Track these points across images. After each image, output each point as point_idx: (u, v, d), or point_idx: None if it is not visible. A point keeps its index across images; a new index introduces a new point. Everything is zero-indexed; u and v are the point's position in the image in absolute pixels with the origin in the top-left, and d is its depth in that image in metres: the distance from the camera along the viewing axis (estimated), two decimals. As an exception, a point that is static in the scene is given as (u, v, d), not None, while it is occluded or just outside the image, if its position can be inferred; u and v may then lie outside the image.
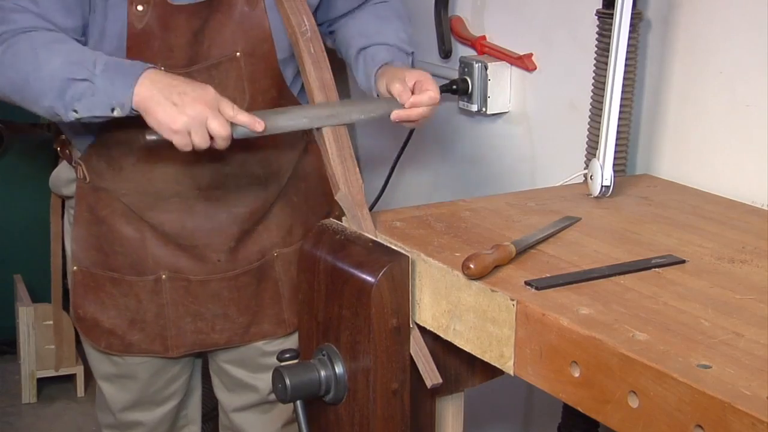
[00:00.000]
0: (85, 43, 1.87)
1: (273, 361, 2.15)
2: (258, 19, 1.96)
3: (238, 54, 1.97)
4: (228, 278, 2.14)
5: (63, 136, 2.12)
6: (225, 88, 1.95)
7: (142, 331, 2.12)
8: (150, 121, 1.77)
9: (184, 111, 1.74)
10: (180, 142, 1.76)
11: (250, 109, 1.87)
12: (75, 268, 2.10)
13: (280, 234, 2.18)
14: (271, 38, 1.98)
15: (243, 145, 1.89)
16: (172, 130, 1.75)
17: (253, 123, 1.77)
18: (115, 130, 1.97)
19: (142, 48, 1.88)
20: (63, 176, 2.14)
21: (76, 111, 1.79)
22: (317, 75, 1.86)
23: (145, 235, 2.08)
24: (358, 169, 1.81)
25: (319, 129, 1.82)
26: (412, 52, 2.10)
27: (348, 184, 1.78)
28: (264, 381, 2.21)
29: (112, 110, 1.78)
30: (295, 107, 1.91)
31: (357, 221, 1.76)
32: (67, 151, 2.11)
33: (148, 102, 1.76)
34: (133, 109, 1.77)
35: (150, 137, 1.78)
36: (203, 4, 1.92)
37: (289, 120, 1.81)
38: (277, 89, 2.04)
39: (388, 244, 1.69)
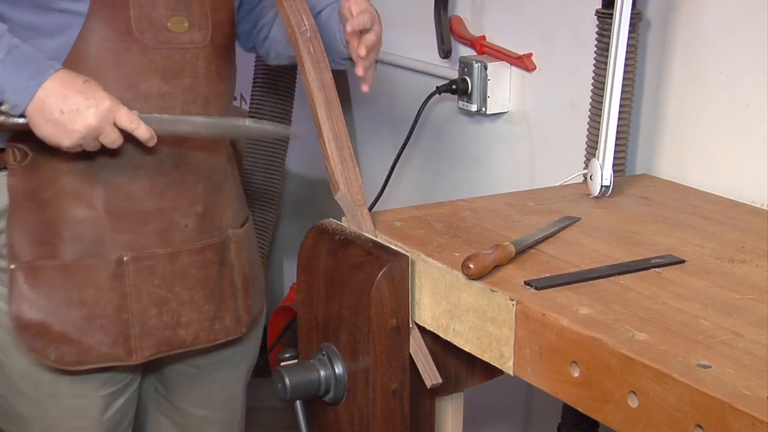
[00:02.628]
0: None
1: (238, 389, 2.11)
2: None
3: None
4: (196, 251, 1.97)
5: None
6: (190, 9, 1.88)
7: (101, 329, 1.89)
8: (37, 131, 1.72)
9: (76, 131, 1.71)
10: (71, 150, 1.75)
11: (213, 42, 1.89)
12: (13, 266, 1.85)
13: (231, 212, 2.07)
14: None
15: None
16: (62, 147, 1.74)
17: (148, 140, 1.77)
18: None
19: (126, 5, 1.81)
20: None
21: None
22: (316, 75, 1.85)
23: (100, 211, 1.88)
24: (357, 168, 1.81)
25: (318, 128, 1.82)
26: None
27: (347, 184, 1.78)
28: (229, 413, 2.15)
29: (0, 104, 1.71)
30: (187, 117, 1.87)
31: (356, 221, 1.76)
32: None
33: (41, 116, 1.71)
34: (21, 113, 1.71)
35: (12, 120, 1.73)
36: None
37: (185, 127, 1.82)
38: (230, 25, 1.98)
39: (388, 244, 1.69)
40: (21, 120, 1.74)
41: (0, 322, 1.91)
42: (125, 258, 1.90)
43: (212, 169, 2.01)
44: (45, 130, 1.72)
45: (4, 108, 1.72)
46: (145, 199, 1.91)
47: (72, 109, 1.71)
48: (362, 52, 1.87)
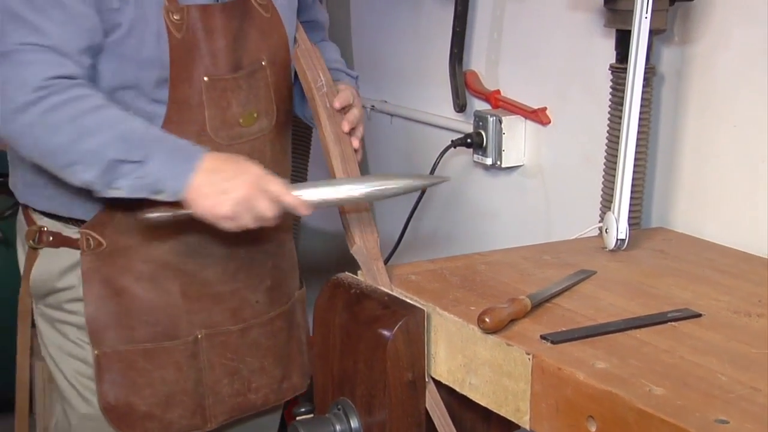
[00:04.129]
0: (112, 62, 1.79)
1: None
2: (276, 26, 1.92)
3: (263, 63, 1.91)
4: (265, 322, 2.04)
5: (41, 225, 1.93)
6: (259, 99, 1.91)
7: (181, 404, 1.96)
8: (196, 209, 1.72)
9: (230, 198, 1.71)
10: (227, 226, 1.74)
11: (278, 123, 1.90)
12: (97, 352, 1.90)
13: (295, 275, 2.13)
14: (287, 45, 1.94)
15: None
16: (219, 217, 1.73)
17: (299, 207, 1.75)
18: None
19: (185, 58, 1.80)
20: (55, 266, 1.93)
21: (116, 189, 1.72)
22: (332, 129, 1.87)
23: (174, 294, 1.93)
24: (373, 222, 1.82)
25: (333, 174, 1.82)
26: (357, 76, 2.10)
27: (363, 238, 1.79)
28: None
29: (157, 193, 1.72)
30: (336, 180, 1.83)
31: (372, 274, 1.76)
32: (50, 236, 1.93)
33: (197, 193, 1.72)
34: (179, 198, 1.72)
35: (152, 215, 1.75)
36: (236, 3, 1.86)
37: (336, 194, 1.77)
38: (290, 100, 2.01)
39: (404, 298, 1.69)
40: (185, 211, 1.74)
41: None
42: (199, 336, 1.96)
43: (279, 244, 2.06)
44: (202, 206, 1.72)
45: (161, 197, 1.72)
46: (217, 283, 1.97)
47: (225, 178, 1.72)
48: (345, 128, 1.89)
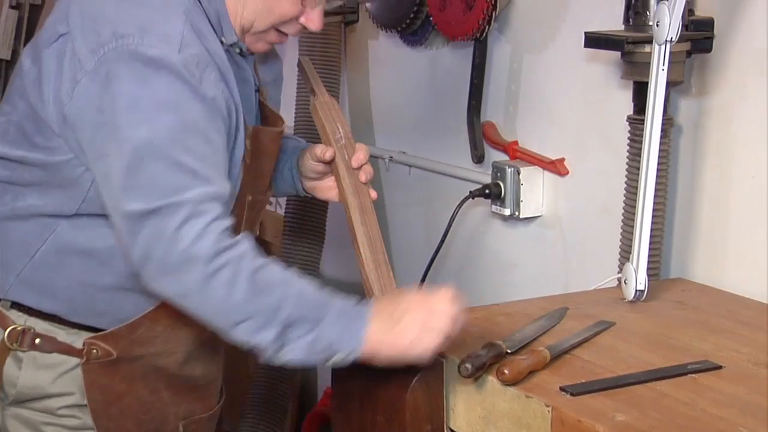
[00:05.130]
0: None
1: None
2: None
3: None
4: (227, 404, 2.05)
5: (27, 326, 1.80)
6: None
7: None
8: (382, 355, 1.62)
9: (405, 333, 1.61)
10: (418, 352, 1.62)
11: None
12: None
13: None
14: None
15: None
16: (406, 347, 1.62)
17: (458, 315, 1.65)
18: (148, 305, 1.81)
19: (246, 181, 1.79)
20: (46, 375, 1.82)
21: (290, 352, 1.61)
22: (351, 180, 1.88)
23: (162, 391, 1.88)
24: (392, 274, 1.82)
25: (353, 233, 1.83)
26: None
27: (382, 290, 1.79)
28: None
29: (332, 355, 1.62)
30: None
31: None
32: (37, 338, 1.81)
33: (376, 345, 1.62)
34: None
35: None
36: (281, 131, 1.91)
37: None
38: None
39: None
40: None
41: None
42: (181, 427, 1.93)
43: None
44: (386, 353, 1.63)
45: (334, 360, 1.62)
46: (200, 379, 1.95)
47: (396, 320, 1.63)
48: (363, 179, 1.91)
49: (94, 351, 1.80)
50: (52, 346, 1.81)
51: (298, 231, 2.94)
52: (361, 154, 1.91)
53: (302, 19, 1.77)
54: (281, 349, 1.61)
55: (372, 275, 1.80)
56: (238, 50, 1.78)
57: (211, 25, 1.73)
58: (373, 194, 1.90)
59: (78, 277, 1.79)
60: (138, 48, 1.60)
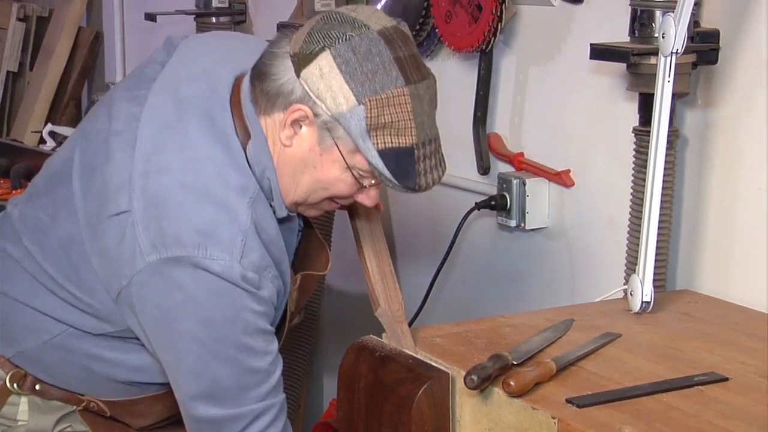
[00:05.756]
0: None
1: None
2: None
3: None
4: None
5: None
6: None
7: None
8: None
9: None
10: None
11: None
12: None
13: None
14: None
15: None
16: None
17: None
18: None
19: (289, 323, 1.81)
20: (49, 419, 1.85)
21: None
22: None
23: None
24: (397, 285, 1.82)
25: (359, 245, 1.83)
26: None
27: (388, 301, 1.79)
28: None
29: None
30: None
31: (397, 337, 1.76)
32: (37, 385, 1.82)
33: None
34: None
35: None
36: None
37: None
38: None
39: (428, 361, 1.69)
40: None
41: None
42: None
43: None
44: None
45: None
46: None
47: None
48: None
49: (92, 405, 1.84)
50: (51, 393, 1.83)
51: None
52: None
53: (359, 198, 1.70)
54: None
55: (378, 286, 1.80)
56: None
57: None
58: (380, 206, 1.90)
59: (82, 372, 1.79)
60: (200, 262, 1.59)
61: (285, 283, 1.71)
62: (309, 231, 1.87)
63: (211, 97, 1.69)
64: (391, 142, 1.59)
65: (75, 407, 1.85)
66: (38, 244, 1.75)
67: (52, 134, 3.78)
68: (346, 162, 1.62)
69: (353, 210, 1.86)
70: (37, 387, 1.82)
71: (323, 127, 1.61)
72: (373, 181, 1.67)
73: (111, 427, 1.82)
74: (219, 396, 1.65)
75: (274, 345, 1.70)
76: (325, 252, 1.86)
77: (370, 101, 1.57)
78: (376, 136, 1.59)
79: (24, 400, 1.83)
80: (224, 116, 1.67)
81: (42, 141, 3.82)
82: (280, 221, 1.72)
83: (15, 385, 1.81)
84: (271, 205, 1.69)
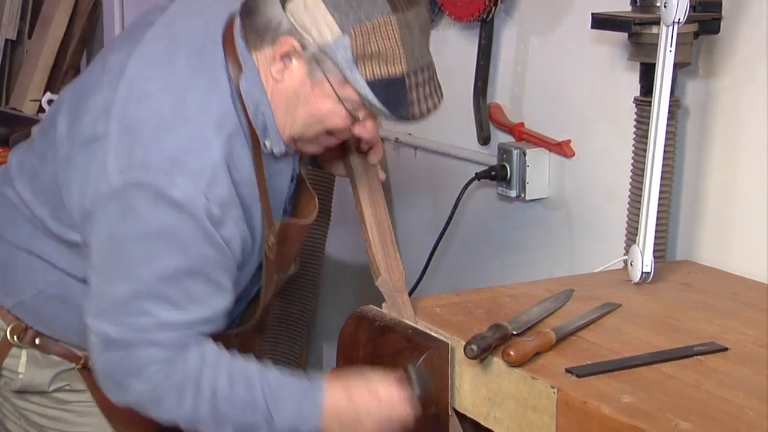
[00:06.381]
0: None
1: None
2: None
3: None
4: None
5: (30, 324, 1.84)
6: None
7: None
8: None
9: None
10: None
11: None
12: None
13: None
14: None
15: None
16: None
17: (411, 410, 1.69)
18: None
19: (270, 272, 1.80)
20: (46, 374, 1.86)
21: None
22: (360, 160, 1.85)
23: None
24: (398, 254, 1.82)
25: (360, 214, 1.83)
26: None
27: (389, 270, 1.79)
28: None
29: None
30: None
31: (397, 307, 1.76)
32: (38, 338, 1.85)
33: (330, 424, 1.67)
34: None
35: None
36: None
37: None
38: None
39: (428, 331, 1.69)
40: None
41: None
42: None
43: None
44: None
45: None
46: None
47: (355, 418, 1.67)
48: (374, 160, 1.87)
49: (91, 362, 1.80)
50: (50, 348, 1.85)
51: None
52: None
53: (356, 130, 1.68)
54: None
55: (379, 256, 1.80)
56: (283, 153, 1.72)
57: (252, 137, 1.67)
58: (382, 175, 1.89)
59: (79, 324, 1.75)
60: (163, 189, 1.57)
61: (253, 229, 1.69)
62: (300, 181, 1.87)
63: (204, 32, 1.69)
64: (380, 72, 1.58)
65: (74, 365, 1.85)
66: (31, 187, 1.77)
67: (51, 103, 3.77)
68: (337, 94, 1.62)
69: (355, 179, 1.85)
70: (38, 341, 1.83)
71: (312, 60, 1.61)
72: (366, 113, 1.65)
73: None
74: (136, 327, 1.63)
75: (220, 294, 1.66)
76: (314, 202, 1.85)
77: (354, 30, 1.57)
78: (364, 65, 1.58)
79: (24, 353, 1.85)
80: (215, 50, 1.67)
81: (41, 110, 3.81)
82: (274, 162, 1.71)
83: (16, 337, 1.83)
84: (265, 144, 1.68)
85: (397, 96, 1.59)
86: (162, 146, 1.60)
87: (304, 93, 1.63)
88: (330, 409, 1.66)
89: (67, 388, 1.88)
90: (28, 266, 1.79)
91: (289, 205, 1.83)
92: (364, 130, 1.69)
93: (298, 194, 1.86)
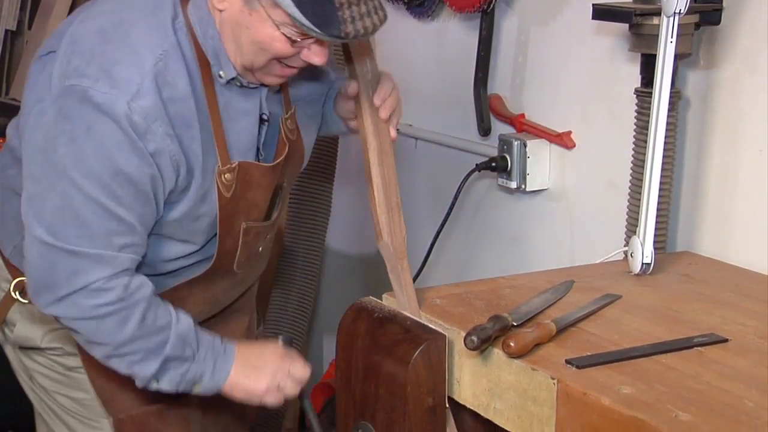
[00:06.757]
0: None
1: None
2: (298, 148, 1.93)
3: (284, 184, 1.96)
4: None
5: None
6: (281, 210, 1.97)
7: None
8: (237, 394, 1.83)
9: (266, 372, 1.82)
10: (272, 399, 1.84)
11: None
12: (118, 417, 1.94)
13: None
14: (303, 159, 1.98)
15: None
16: (262, 392, 1.82)
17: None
18: None
19: (230, 212, 1.81)
20: (39, 329, 1.93)
21: (158, 382, 1.78)
22: (372, 120, 1.83)
23: None
24: (403, 220, 1.80)
25: (368, 174, 1.80)
26: None
27: (391, 234, 1.77)
28: None
29: (193, 386, 1.81)
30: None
31: (396, 273, 1.75)
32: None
33: (235, 381, 1.82)
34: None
35: None
36: (283, 159, 1.88)
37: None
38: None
39: (427, 323, 1.69)
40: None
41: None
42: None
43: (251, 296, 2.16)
44: (242, 389, 1.83)
45: (195, 390, 1.81)
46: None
47: (256, 365, 1.83)
48: (384, 115, 1.85)
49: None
50: None
51: (309, 168, 2.91)
52: (384, 90, 1.86)
53: (303, 55, 1.70)
54: (157, 379, 1.77)
55: (383, 218, 1.77)
56: (238, 84, 1.76)
57: (201, 63, 1.72)
58: (393, 134, 1.87)
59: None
60: (89, 92, 1.64)
61: (190, 151, 1.72)
62: (275, 127, 1.88)
63: None
64: None
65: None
66: (16, 127, 1.85)
67: (51, 94, 3.76)
68: (271, 18, 1.64)
69: (366, 137, 1.81)
70: None
71: None
72: (304, 38, 1.66)
73: None
74: (82, 232, 1.68)
75: (148, 208, 1.72)
76: (284, 150, 1.87)
77: None
78: None
79: (22, 308, 1.92)
80: None
81: (41, 101, 3.80)
82: (239, 98, 1.76)
83: (18, 293, 1.90)
84: (220, 75, 1.73)
85: (326, 14, 1.60)
86: (96, 57, 1.67)
87: (244, 20, 1.67)
88: (239, 353, 1.81)
89: (61, 351, 1.93)
90: (17, 208, 1.82)
91: (266, 150, 1.86)
92: (313, 54, 1.70)
93: (269, 138, 1.87)
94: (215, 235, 1.82)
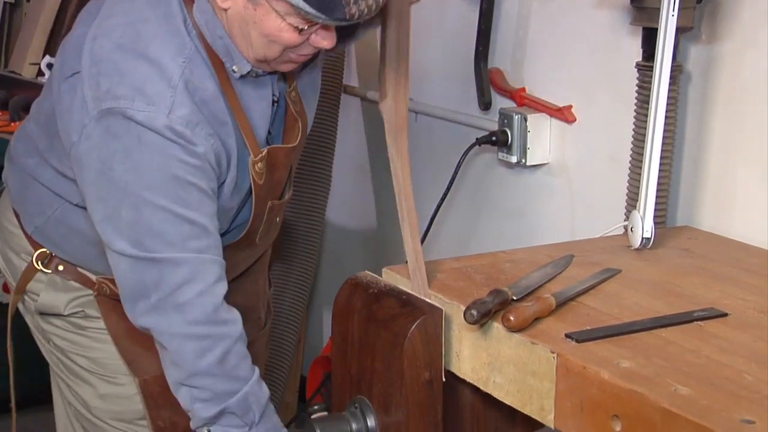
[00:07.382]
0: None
1: None
2: (303, 121, 1.95)
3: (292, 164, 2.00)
4: (264, 334, 2.19)
5: (52, 251, 1.97)
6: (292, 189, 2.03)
7: None
8: None
9: None
10: None
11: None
12: (144, 378, 1.97)
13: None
14: (306, 132, 1.99)
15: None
16: None
17: None
18: None
19: (262, 197, 1.88)
20: (63, 298, 1.98)
21: (203, 429, 1.79)
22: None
23: None
24: (408, 85, 1.79)
25: (383, 31, 1.79)
26: None
27: (396, 97, 1.77)
28: None
29: None
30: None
31: (392, 136, 1.76)
32: (60, 265, 1.98)
33: None
34: None
35: None
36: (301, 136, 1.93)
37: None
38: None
39: (423, 297, 1.69)
40: None
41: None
42: None
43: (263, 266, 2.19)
44: None
45: None
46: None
47: None
48: None
49: (105, 288, 1.95)
50: (71, 274, 1.97)
51: (309, 144, 2.90)
52: None
53: (313, 42, 1.71)
54: (209, 428, 1.78)
55: (390, 77, 1.77)
56: (253, 74, 1.79)
57: (214, 62, 1.75)
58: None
59: (85, 247, 1.92)
60: (128, 112, 1.68)
61: (228, 146, 1.77)
62: (285, 107, 1.91)
63: None
64: None
65: (91, 292, 1.96)
66: (36, 120, 1.93)
67: (50, 66, 3.74)
68: (275, 10, 1.65)
69: (388, 4, 1.77)
70: (60, 267, 1.97)
71: None
72: (310, 25, 1.67)
73: (123, 317, 1.84)
74: (158, 240, 1.71)
75: (214, 207, 1.76)
76: (297, 125, 1.90)
77: None
78: None
79: (46, 278, 1.98)
80: None
81: (40, 73, 3.78)
82: (252, 87, 1.80)
83: (40, 263, 1.97)
84: (233, 70, 1.76)
85: None
86: (125, 77, 1.71)
87: (250, 16, 1.69)
88: None
89: (82, 314, 1.99)
90: (38, 193, 1.93)
91: (275, 128, 1.89)
92: (320, 40, 1.71)
93: (284, 119, 1.91)
94: (238, 215, 1.87)
